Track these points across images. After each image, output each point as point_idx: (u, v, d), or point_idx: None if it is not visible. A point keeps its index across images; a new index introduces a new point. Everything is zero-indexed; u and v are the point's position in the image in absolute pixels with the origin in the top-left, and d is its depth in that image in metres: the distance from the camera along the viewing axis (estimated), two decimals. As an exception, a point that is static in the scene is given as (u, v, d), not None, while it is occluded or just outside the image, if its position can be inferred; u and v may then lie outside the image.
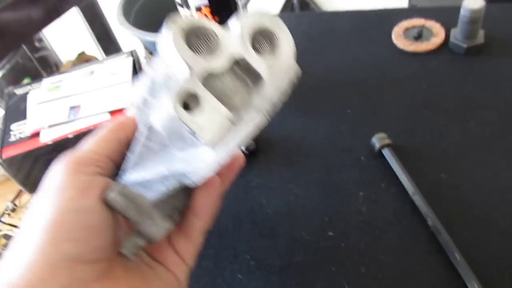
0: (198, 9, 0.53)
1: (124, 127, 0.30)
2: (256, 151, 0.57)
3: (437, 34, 0.65)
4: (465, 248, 0.44)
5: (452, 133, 0.54)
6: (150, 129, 0.28)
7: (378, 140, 0.53)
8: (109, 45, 1.61)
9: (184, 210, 0.31)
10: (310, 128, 0.59)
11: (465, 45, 0.61)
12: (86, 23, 1.51)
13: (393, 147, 0.53)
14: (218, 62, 0.25)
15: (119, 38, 1.60)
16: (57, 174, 0.27)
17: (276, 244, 0.49)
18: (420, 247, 0.46)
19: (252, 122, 0.25)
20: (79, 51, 1.55)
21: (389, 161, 0.52)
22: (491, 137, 0.53)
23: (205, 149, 0.25)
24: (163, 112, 0.26)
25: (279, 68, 0.26)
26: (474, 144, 0.53)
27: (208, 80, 0.26)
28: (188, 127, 0.24)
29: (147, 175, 0.28)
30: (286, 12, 0.77)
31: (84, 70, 1.25)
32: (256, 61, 0.26)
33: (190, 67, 0.24)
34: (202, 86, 0.25)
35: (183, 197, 0.31)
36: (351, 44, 0.69)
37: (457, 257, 0.43)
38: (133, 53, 1.28)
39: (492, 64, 0.61)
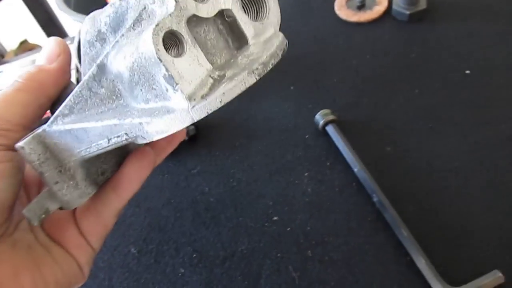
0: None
1: (48, 85, 0.25)
2: (197, 136, 0.54)
3: (380, 2, 0.63)
4: (412, 223, 0.43)
5: (397, 104, 0.53)
6: (102, 69, 0.22)
7: (321, 116, 0.51)
8: (54, 31, 1.52)
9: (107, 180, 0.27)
10: (253, 108, 0.56)
11: (407, 12, 0.59)
12: (27, 10, 1.43)
13: (338, 123, 0.51)
14: (207, 7, 0.22)
15: (65, 23, 1.52)
16: None
17: (220, 234, 0.46)
18: (366, 225, 0.44)
19: (239, 81, 0.21)
20: (21, 40, 1.46)
21: (333, 137, 0.49)
22: (436, 105, 0.52)
23: (178, 102, 0.20)
24: (133, 49, 0.20)
25: (265, 35, 0.24)
26: (419, 114, 0.51)
27: (192, 25, 0.22)
28: (168, 71, 0.19)
29: (85, 125, 0.23)
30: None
31: (25, 60, 1.18)
32: (245, 23, 0.23)
33: None
34: (186, 28, 0.21)
35: (114, 162, 0.27)
36: (294, 18, 0.66)
37: (403, 233, 0.41)
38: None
39: (435, 30, 0.59)
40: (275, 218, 0.46)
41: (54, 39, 0.26)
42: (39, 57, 0.26)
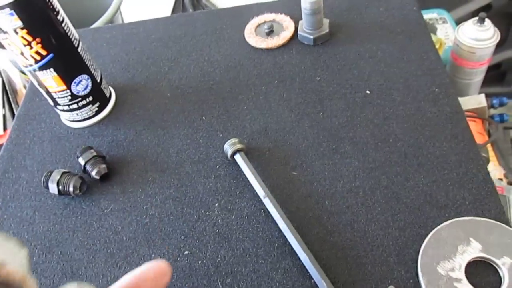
0: (15, 32, 0.48)
1: None
2: (108, 174, 0.54)
3: (287, 27, 0.65)
4: (316, 245, 0.44)
5: (303, 128, 0.54)
6: None
7: (229, 146, 0.52)
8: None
9: None
10: (165, 141, 0.56)
11: (311, 36, 0.62)
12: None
13: (246, 151, 0.52)
14: None
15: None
16: None
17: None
18: (274, 251, 0.45)
19: None
20: None
21: (241, 166, 0.51)
22: (339, 126, 0.54)
23: None
24: None
25: None
26: (324, 136, 0.53)
27: None
28: None
29: None
30: (141, 21, 0.74)
31: None
32: None
33: None
34: None
35: None
36: (206, 46, 0.67)
37: (306, 257, 0.43)
38: (1, 73, 1.18)
39: (338, 52, 0.62)
40: (187, 252, 0.47)
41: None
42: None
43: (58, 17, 0.51)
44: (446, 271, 0.41)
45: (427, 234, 0.43)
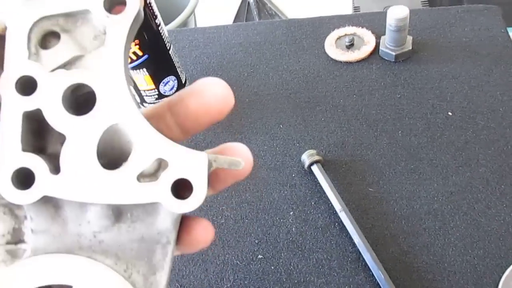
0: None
1: None
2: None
3: (368, 42, 0.65)
4: (391, 264, 0.45)
5: (380, 144, 0.54)
6: None
7: (307, 156, 0.53)
8: None
9: None
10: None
11: (393, 53, 0.62)
12: None
13: (323, 163, 0.53)
14: None
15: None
16: None
17: (207, 270, 0.48)
18: (347, 265, 0.46)
19: None
20: None
21: (318, 177, 0.51)
22: (418, 147, 0.53)
23: None
24: None
25: None
26: (402, 155, 0.53)
27: None
28: None
29: None
30: (221, 25, 0.76)
31: None
32: None
33: None
34: None
35: None
36: (285, 55, 0.68)
37: (381, 275, 0.43)
38: None
39: (420, 70, 0.61)
40: (260, 256, 0.48)
41: None
42: None
43: (156, 21, 0.54)
44: (527, 306, 0.40)
45: (508, 265, 0.43)
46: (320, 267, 0.46)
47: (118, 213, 0.20)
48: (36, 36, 0.19)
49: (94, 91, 0.19)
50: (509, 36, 0.64)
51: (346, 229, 0.47)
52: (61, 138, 0.19)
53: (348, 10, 1.54)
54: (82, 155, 0.19)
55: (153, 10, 0.53)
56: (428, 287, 0.43)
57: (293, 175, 0.54)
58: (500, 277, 0.42)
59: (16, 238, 0.20)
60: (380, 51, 0.63)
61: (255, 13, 2.00)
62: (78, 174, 0.18)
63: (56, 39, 0.20)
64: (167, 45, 0.56)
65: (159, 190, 0.19)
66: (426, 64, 0.62)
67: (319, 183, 0.52)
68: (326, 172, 0.52)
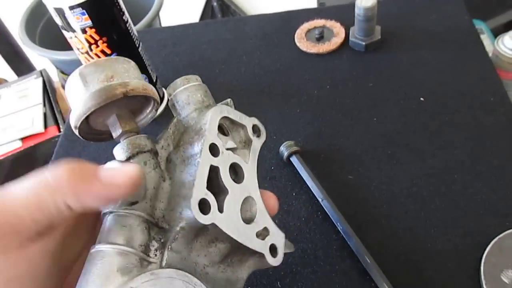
0: (83, 31, 0.50)
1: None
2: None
3: (337, 33, 0.66)
4: (375, 249, 0.45)
5: (356, 133, 0.55)
6: None
7: (285, 148, 0.52)
8: (20, 64, 1.51)
9: None
10: (219, 141, 0.57)
11: (363, 43, 0.62)
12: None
13: (301, 154, 0.53)
14: None
15: (31, 56, 1.51)
16: None
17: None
18: (333, 253, 0.45)
19: None
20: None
21: (298, 168, 0.51)
22: (393, 132, 0.54)
23: None
24: None
25: None
26: (378, 142, 0.53)
27: None
28: None
29: None
30: (190, 23, 0.75)
31: (-10, 95, 1.16)
32: None
33: None
34: None
35: None
36: (256, 50, 0.68)
37: (367, 260, 0.43)
38: (42, 73, 1.21)
39: (390, 59, 0.62)
40: (245, 251, 0.47)
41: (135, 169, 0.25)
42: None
43: (124, 18, 0.52)
44: (510, 280, 0.41)
45: (489, 243, 0.43)
46: (306, 256, 0.46)
47: (225, 255, 0.29)
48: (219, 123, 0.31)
49: (244, 172, 0.31)
50: (472, 23, 0.65)
51: (329, 217, 0.47)
52: (224, 191, 0.29)
53: (313, 6, 1.55)
54: (235, 206, 0.29)
55: (120, 7, 0.51)
56: (413, 268, 0.43)
57: (273, 167, 0.53)
58: (482, 254, 0.43)
59: (146, 252, 0.25)
60: (350, 41, 0.64)
61: (219, 15, 1.99)
62: (232, 218, 0.28)
63: (223, 131, 0.32)
64: (136, 43, 0.55)
65: (263, 246, 0.30)
66: (395, 52, 0.63)
67: (299, 173, 0.51)
68: (305, 162, 0.52)
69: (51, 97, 1.12)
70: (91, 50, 0.52)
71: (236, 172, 0.31)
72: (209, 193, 0.27)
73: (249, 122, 0.34)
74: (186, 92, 0.33)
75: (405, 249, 0.45)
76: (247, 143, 0.33)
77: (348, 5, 0.70)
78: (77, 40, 0.51)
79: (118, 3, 0.51)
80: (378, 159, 0.52)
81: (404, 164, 0.51)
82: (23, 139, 0.94)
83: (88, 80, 0.27)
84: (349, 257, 0.45)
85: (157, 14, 1.15)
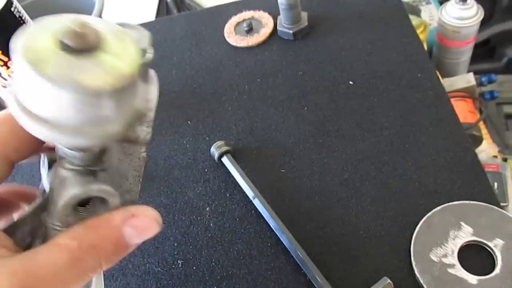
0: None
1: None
2: (98, 187, 0.53)
3: (266, 24, 0.65)
4: (309, 241, 0.44)
5: (288, 124, 0.54)
6: None
7: (215, 148, 0.51)
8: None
9: None
10: (152, 148, 0.56)
11: (291, 31, 0.61)
12: None
13: (233, 152, 0.52)
14: None
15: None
16: None
17: (128, 284, 0.46)
18: (267, 251, 0.45)
19: None
20: None
21: (229, 168, 0.50)
22: (324, 120, 0.54)
23: None
24: None
25: None
26: (310, 131, 0.53)
27: None
28: None
29: None
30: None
31: None
32: None
33: None
34: None
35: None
36: (187, 50, 0.66)
37: (299, 255, 0.43)
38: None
39: (319, 44, 0.61)
40: (181, 259, 0.47)
41: None
42: None
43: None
44: (439, 258, 0.41)
45: (419, 221, 0.43)
46: (241, 258, 0.45)
47: None
48: None
49: None
50: (400, 0, 0.65)
51: (262, 215, 0.47)
52: None
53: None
54: None
55: (25, 22, 0.50)
56: (346, 257, 0.43)
57: (206, 170, 0.53)
58: (412, 234, 0.43)
59: None
60: (278, 31, 0.63)
61: (175, 11, 1.96)
62: None
63: None
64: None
65: None
66: (324, 37, 0.62)
67: (231, 174, 0.51)
68: (237, 161, 0.51)
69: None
70: (2, 72, 0.50)
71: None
72: None
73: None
74: None
75: (337, 239, 0.44)
76: None
77: (276, -7, 0.69)
78: (-14, 63, 0.49)
79: (23, 19, 0.49)
80: (310, 149, 0.51)
81: (335, 151, 0.51)
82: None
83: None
84: (283, 253, 0.44)
85: (99, 15, 1.12)
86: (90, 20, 0.22)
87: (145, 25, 0.73)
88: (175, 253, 0.47)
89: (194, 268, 0.46)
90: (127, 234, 0.24)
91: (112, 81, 0.20)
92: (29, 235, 0.25)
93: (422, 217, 0.44)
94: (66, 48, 0.20)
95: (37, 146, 0.26)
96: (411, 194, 0.46)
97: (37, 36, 0.21)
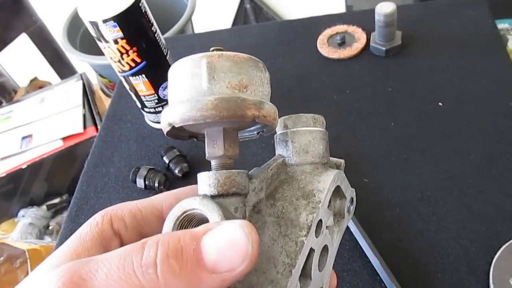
0: (115, 42, 0.53)
1: None
2: (189, 172, 0.58)
3: (358, 39, 0.67)
4: (386, 250, 0.46)
5: (374, 137, 0.56)
6: None
7: (303, 151, 0.54)
8: (62, 68, 1.60)
9: None
10: (241, 144, 0.60)
11: (384, 48, 0.63)
12: (36, 48, 1.51)
13: (318, 157, 0.55)
14: None
15: (72, 60, 1.59)
16: None
17: None
18: (344, 253, 0.47)
19: None
20: (31, 78, 1.53)
21: (314, 171, 0.53)
22: (410, 137, 0.55)
23: None
24: None
25: None
26: (395, 146, 0.55)
27: None
28: None
29: None
30: (216, 30, 0.78)
31: (35, 98, 1.24)
32: None
33: None
34: None
35: None
36: (279, 56, 0.70)
37: (377, 261, 0.45)
38: (82, 76, 1.28)
39: (409, 64, 0.63)
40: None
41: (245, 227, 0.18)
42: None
43: (152, 28, 0.56)
44: (519, 284, 0.41)
45: (500, 247, 0.44)
46: (319, 256, 0.48)
47: None
48: None
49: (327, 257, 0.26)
50: (495, 27, 0.65)
51: (342, 219, 0.49)
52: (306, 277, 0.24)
53: (342, 10, 1.56)
54: None
55: (149, 18, 0.55)
56: (422, 271, 0.44)
57: (290, 170, 0.56)
58: (492, 258, 0.43)
59: None
60: (370, 47, 0.65)
61: (252, 18, 2.02)
62: None
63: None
64: (164, 51, 0.59)
65: None
66: (415, 57, 0.64)
67: (315, 176, 0.53)
68: (322, 165, 0.54)
69: (90, 99, 1.18)
70: (122, 59, 0.55)
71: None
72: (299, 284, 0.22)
73: (350, 193, 0.30)
74: (309, 136, 0.27)
75: (415, 252, 0.46)
76: (338, 218, 0.28)
77: (370, 11, 0.71)
78: (110, 50, 0.55)
79: (147, 15, 0.55)
80: (394, 163, 0.53)
81: (419, 168, 0.52)
82: (64, 139, 1.00)
83: (216, 77, 0.21)
84: (360, 257, 0.46)
85: (189, 19, 1.20)
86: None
87: (239, 30, 0.78)
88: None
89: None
90: None
91: None
92: None
93: (504, 243, 0.44)
94: None
95: None
96: (493, 219, 0.46)
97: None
